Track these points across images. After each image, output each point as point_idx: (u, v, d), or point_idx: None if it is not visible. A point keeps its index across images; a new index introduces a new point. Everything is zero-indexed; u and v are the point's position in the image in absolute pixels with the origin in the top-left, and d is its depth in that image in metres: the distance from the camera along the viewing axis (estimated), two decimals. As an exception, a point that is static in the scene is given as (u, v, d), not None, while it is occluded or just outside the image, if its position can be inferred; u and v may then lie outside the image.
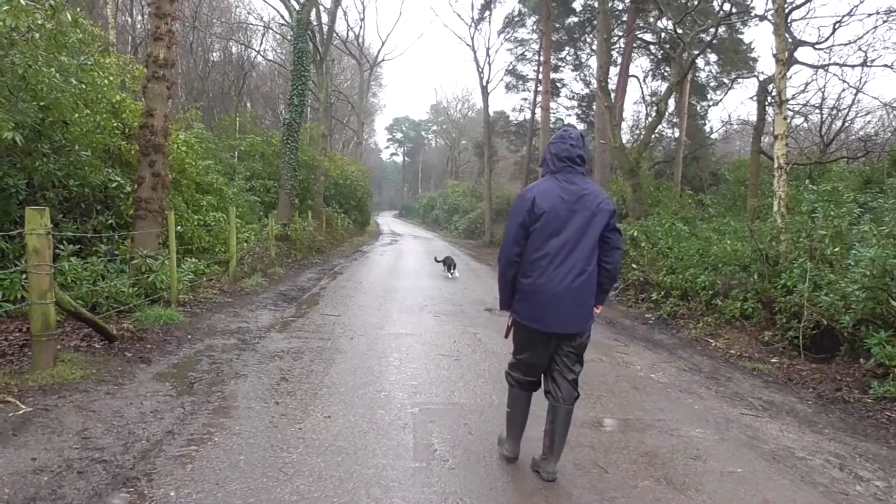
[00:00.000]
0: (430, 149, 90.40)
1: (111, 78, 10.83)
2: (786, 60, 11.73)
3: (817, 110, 19.51)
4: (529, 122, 35.77)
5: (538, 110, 33.92)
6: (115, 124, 10.02)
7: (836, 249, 8.48)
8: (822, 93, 28.56)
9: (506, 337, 3.99)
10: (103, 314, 6.83)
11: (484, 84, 34.16)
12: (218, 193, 14.53)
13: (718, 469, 4.02)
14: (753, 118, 18.93)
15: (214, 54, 36.80)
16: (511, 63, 36.64)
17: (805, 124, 21.97)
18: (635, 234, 14.22)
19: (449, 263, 15.82)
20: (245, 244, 13.34)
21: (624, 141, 18.99)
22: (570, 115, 36.09)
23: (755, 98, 16.69)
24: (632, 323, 10.66)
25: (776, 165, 11.48)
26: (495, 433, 4.36)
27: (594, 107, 32.15)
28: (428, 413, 4.73)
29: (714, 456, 4.24)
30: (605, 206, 3.66)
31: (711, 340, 9.14)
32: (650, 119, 23.50)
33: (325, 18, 25.83)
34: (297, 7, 17.61)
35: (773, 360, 8.11)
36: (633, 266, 13.41)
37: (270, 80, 39.96)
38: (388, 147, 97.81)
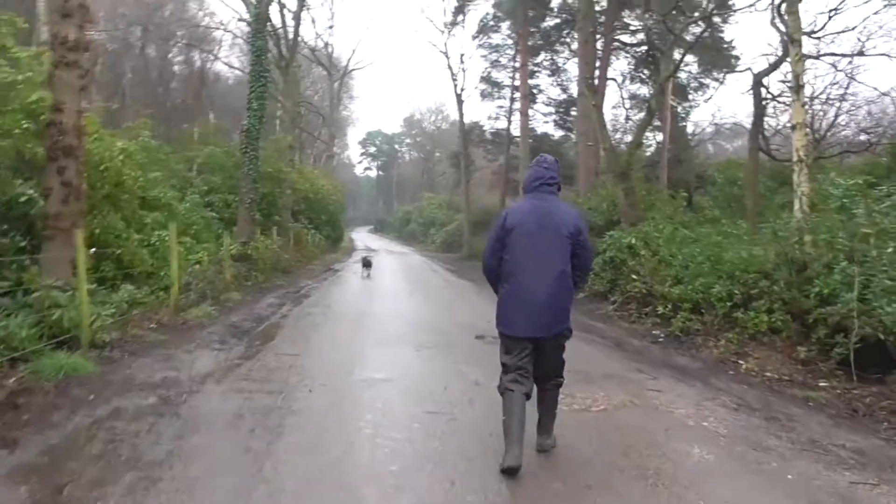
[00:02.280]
0: (404, 162, 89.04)
1: (28, 74, 9.22)
2: (800, 42, 10.45)
3: (818, 102, 18.30)
4: (506, 130, 34.46)
5: (514, 117, 32.78)
6: (26, 126, 8.38)
7: (890, 250, 7.13)
8: (818, 83, 27.42)
9: None
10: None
11: (458, 92, 33.11)
12: (167, 209, 12.93)
13: None
14: (734, 119, 17.83)
15: (176, 67, 35.21)
16: (486, 69, 35.41)
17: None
18: (633, 241, 12.91)
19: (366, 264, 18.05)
20: (197, 266, 11.70)
21: (607, 145, 17.71)
22: (547, 122, 34.88)
23: (751, 92, 15.42)
24: (641, 342, 9.32)
25: (795, 158, 10.18)
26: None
27: (572, 112, 31.11)
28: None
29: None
30: (572, 223, 4.08)
31: (740, 361, 7.82)
32: (641, 118, 22.34)
33: (290, 22, 24.47)
34: (254, 1, 16.03)
35: (823, 384, 6.76)
36: (634, 277, 12.07)
37: (238, 93, 38.40)
38: (361, 161, 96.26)
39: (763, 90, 15.62)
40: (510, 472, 3.74)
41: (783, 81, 15.15)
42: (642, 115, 26.42)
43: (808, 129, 10.99)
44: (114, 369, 6.09)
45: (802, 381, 6.85)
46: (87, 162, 8.84)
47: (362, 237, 59.62)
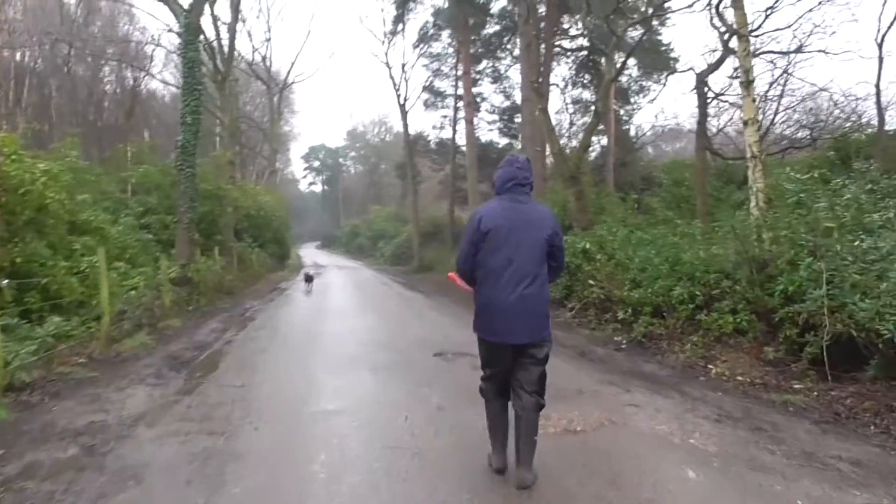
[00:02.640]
0: (349, 175, 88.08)
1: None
2: (748, 37, 10.36)
3: (759, 100, 18.49)
4: (451, 139, 34.21)
5: (459, 126, 32.58)
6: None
7: (857, 244, 6.97)
8: (757, 82, 28.00)
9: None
10: None
11: (401, 102, 32.68)
12: (98, 233, 12.14)
13: None
14: (676, 121, 17.96)
15: (107, 86, 33.80)
16: (429, 78, 35.13)
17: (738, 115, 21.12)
18: (588, 246, 12.65)
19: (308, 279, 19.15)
20: (132, 292, 10.92)
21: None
22: (492, 130, 34.77)
23: (694, 92, 15.41)
24: (604, 350, 8.98)
25: (749, 154, 10.07)
26: None
27: (516, 119, 31.02)
28: None
29: None
30: (549, 224, 3.95)
31: (709, 365, 7.54)
32: (587, 122, 22.29)
33: (225, 34, 23.75)
34: (184, 10, 15.21)
35: (797, 386, 6.51)
36: (591, 282, 11.78)
37: (173, 110, 37.10)
38: (305, 176, 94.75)
39: (706, 89, 15.65)
40: (499, 474, 3.97)
41: (732, 77, 15.23)
42: (586, 119, 26.53)
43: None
44: (31, 416, 5.39)
45: (776, 384, 6.60)
46: (3, 186, 8.15)
47: (310, 253, 58.49)
